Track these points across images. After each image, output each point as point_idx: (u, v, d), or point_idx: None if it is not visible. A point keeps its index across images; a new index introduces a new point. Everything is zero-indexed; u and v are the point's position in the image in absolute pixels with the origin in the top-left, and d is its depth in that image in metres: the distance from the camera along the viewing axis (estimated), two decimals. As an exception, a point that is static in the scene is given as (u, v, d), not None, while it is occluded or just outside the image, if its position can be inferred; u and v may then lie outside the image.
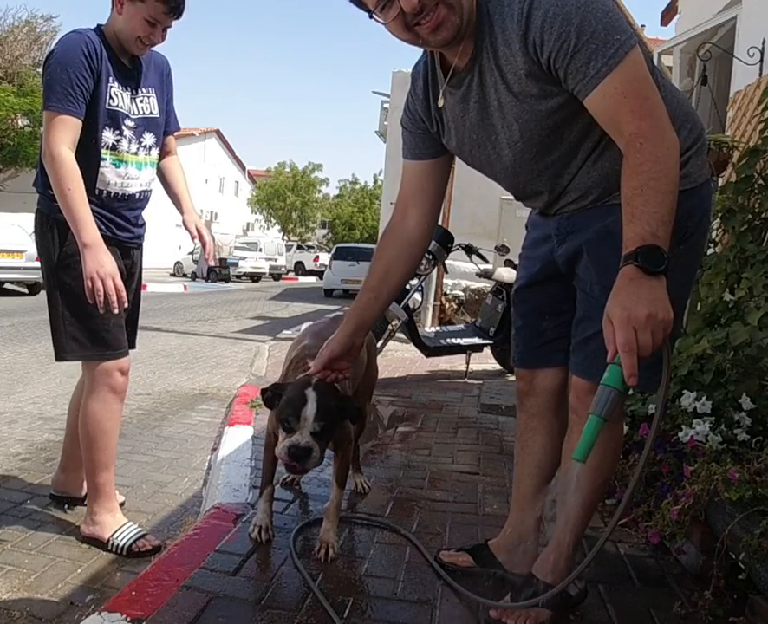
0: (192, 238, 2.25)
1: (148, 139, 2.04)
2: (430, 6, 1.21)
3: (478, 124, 1.40)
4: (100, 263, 1.79)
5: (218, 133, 33.64)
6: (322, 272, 20.97)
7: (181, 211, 2.22)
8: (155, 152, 2.09)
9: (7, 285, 10.87)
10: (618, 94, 1.18)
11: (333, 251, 19.02)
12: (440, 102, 1.42)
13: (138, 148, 2.02)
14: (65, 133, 1.80)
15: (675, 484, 1.89)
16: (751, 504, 1.61)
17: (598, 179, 1.38)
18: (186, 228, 2.22)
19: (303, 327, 2.09)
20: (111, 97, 1.91)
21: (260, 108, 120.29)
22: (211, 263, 2.33)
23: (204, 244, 2.21)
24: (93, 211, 1.89)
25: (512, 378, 4.99)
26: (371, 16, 1.26)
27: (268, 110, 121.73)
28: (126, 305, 1.95)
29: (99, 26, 1.95)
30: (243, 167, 38.30)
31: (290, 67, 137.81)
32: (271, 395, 1.74)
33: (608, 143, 1.30)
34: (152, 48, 2.03)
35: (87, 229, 1.80)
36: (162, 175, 2.25)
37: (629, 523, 2.06)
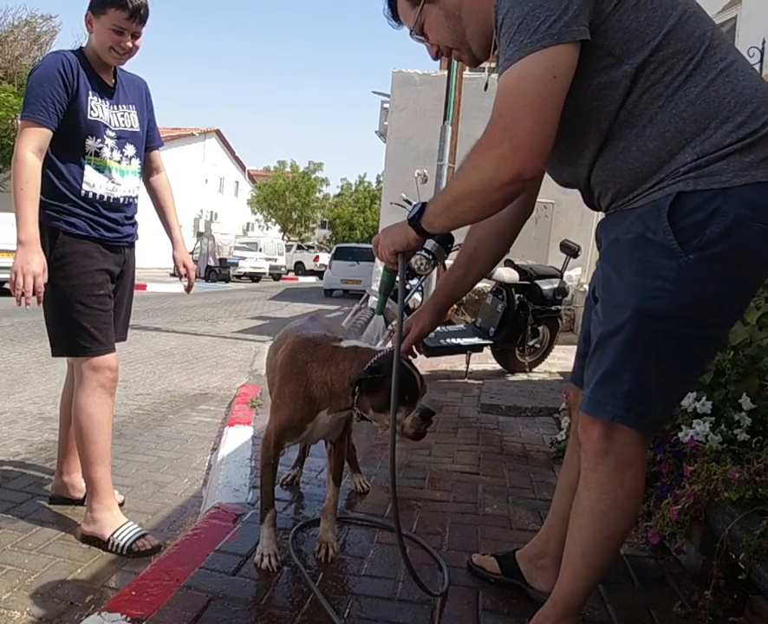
0: (180, 277, 2.45)
1: (130, 150, 2.20)
2: (446, 51, 1.34)
3: None
4: (27, 261, 1.90)
5: (218, 133, 33.62)
6: (322, 272, 20.97)
7: (171, 243, 2.43)
8: (136, 163, 2.24)
9: (7, 285, 10.87)
10: (494, 103, 1.10)
11: (333, 251, 19.02)
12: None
13: (121, 157, 2.17)
14: (32, 140, 1.95)
15: (675, 484, 1.88)
16: (751, 504, 1.61)
17: (611, 174, 1.20)
18: (175, 263, 2.44)
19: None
20: (92, 109, 2.06)
21: (260, 108, 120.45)
22: (191, 292, 2.55)
23: (188, 280, 2.45)
24: (81, 215, 2.05)
25: (512, 378, 5.01)
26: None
27: (268, 110, 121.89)
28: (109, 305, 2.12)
29: (80, 48, 2.12)
30: (243, 167, 38.27)
31: (291, 67, 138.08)
32: (371, 380, 1.59)
33: (616, 134, 1.16)
34: (133, 74, 2.27)
35: (27, 227, 1.92)
36: (153, 197, 2.44)
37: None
